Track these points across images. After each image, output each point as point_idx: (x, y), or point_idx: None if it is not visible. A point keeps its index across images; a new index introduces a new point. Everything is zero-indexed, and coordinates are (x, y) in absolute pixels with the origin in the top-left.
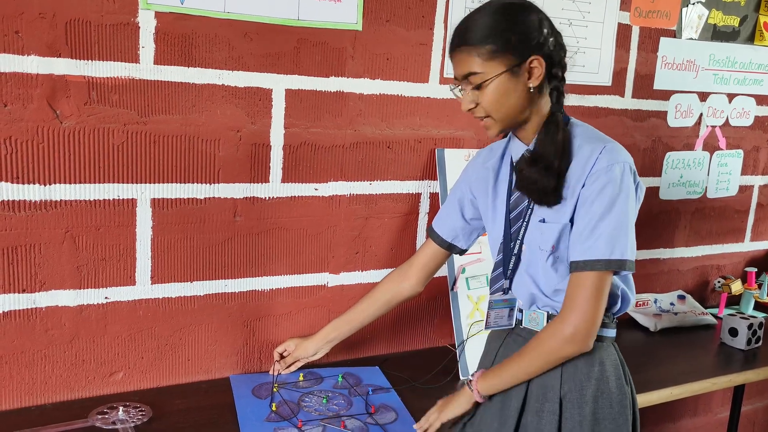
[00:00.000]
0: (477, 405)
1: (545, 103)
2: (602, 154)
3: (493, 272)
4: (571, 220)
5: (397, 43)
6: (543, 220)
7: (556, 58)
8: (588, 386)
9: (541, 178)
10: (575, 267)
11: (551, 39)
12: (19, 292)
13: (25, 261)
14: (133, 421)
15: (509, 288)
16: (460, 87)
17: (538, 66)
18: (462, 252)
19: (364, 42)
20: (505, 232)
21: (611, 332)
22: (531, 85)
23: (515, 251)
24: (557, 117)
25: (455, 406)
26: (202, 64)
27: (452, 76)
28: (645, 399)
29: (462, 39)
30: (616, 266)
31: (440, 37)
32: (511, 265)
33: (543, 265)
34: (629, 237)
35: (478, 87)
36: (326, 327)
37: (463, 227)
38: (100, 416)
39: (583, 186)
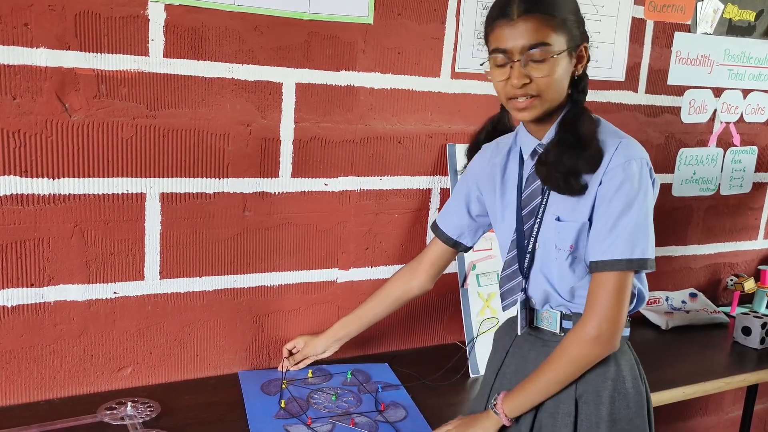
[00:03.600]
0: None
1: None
2: (618, 149)
3: (504, 270)
4: (590, 219)
5: (409, 37)
6: (558, 219)
7: (589, 53)
8: (604, 387)
9: (571, 160)
10: (595, 267)
11: (587, 35)
12: (27, 287)
13: (33, 255)
14: (141, 417)
15: (527, 287)
16: (507, 61)
17: (585, 54)
18: (467, 249)
19: (375, 36)
20: (518, 229)
21: (626, 331)
22: (577, 73)
23: (529, 249)
24: (585, 108)
25: (481, 429)
26: (211, 57)
27: (479, 62)
28: (657, 398)
29: (535, 4)
30: (636, 266)
31: (452, 31)
32: (526, 263)
33: (559, 264)
34: (649, 235)
35: (543, 61)
36: (335, 325)
37: (469, 224)
38: (108, 412)
39: (600, 183)
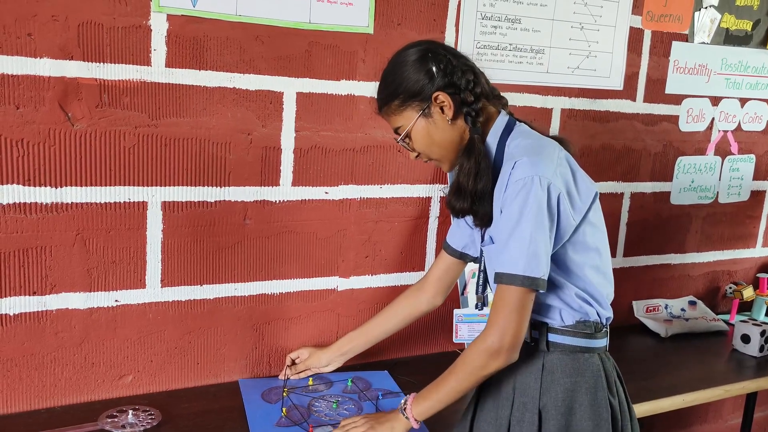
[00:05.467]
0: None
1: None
2: (514, 169)
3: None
4: None
5: None
6: (491, 240)
7: (461, 84)
8: (564, 398)
9: (457, 201)
10: (496, 278)
11: (449, 68)
12: (29, 295)
13: (35, 263)
14: (142, 425)
15: (483, 305)
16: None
17: (444, 99)
18: (476, 260)
19: (375, 45)
20: (480, 248)
21: (597, 343)
22: (448, 118)
23: (482, 268)
24: (472, 140)
25: (389, 429)
26: (213, 67)
27: None
28: (657, 406)
29: (378, 104)
30: (528, 283)
31: (451, 41)
32: (481, 282)
33: None
34: (537, 253)
35: (408, 137)
36: (341, 339)
37: (471, 235)
38: (109, 419)
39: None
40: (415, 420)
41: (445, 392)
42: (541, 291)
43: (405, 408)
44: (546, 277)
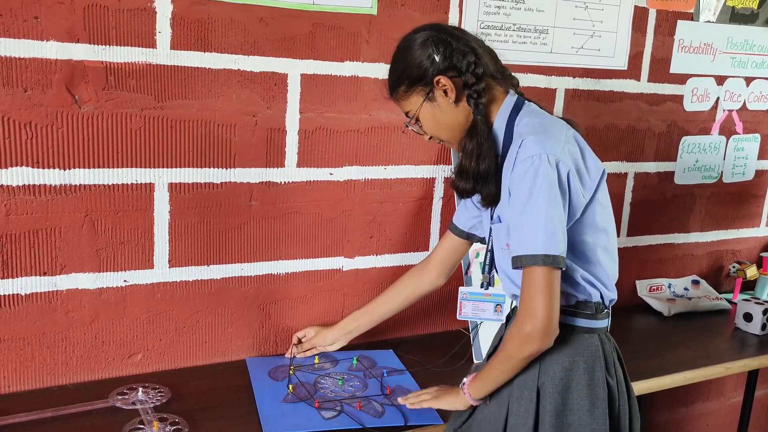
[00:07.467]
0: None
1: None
2: (520, 149)
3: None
4: None
5: (412, 28)
6: (499, 219)
7: (462, 67)
8: (562, 377)
9: (460, 181)
10: (515, 262)
11: (449, 51)
12: (40, 275)
13: (45, 244)
14: (152, 402)
15: (489, 284)
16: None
17: (445, 83)
18: (484, 241)
19: (379, 26)
20: (489, 228)
21: (597, 323)
22: (451, 101)
23: (489, 248)
24: (475, 121)
25: (451, 402)
26: (218, 49)
27: None
28: (658, 383)
29: (388, 90)
30: (550, 261)
31: (455, 21)
32: (488, 262)
33: (508, 262)
34: (554, 231)
35: (417, 121)
36: (346, 318)
37: (478, 215)
38: (120, 397)
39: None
40: (472, 398)
41: (495, 376)
42: (563, 269)
43: (464, 386)
44: (565, 255)
